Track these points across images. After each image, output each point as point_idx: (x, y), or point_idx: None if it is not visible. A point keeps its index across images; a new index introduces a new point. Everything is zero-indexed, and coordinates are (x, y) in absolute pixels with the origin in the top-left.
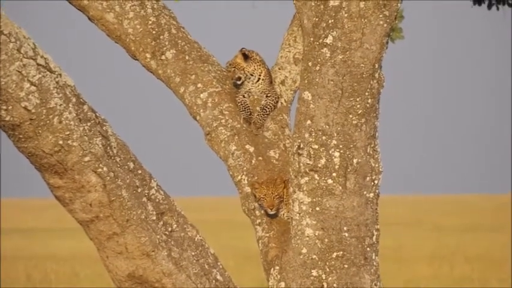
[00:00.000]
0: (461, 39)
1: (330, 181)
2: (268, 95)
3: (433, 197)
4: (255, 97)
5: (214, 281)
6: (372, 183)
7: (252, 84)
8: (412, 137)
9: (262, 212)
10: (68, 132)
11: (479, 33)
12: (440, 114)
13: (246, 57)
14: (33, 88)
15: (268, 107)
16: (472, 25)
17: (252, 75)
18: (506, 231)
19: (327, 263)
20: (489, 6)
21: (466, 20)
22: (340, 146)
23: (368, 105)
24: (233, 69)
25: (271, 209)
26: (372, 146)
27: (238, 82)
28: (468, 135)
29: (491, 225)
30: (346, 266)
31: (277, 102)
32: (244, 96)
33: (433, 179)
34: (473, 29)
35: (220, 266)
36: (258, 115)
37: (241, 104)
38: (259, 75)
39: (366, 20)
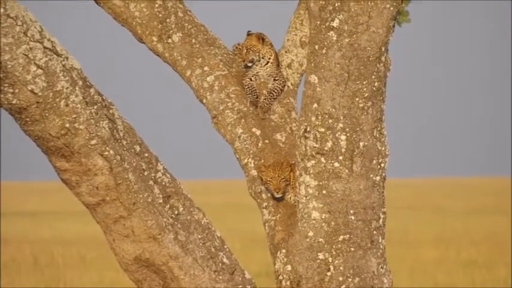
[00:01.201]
0: (464, 17)
1: (336, 164)
2: (276, 78)
3: (436, 180)
4: (262, 80)
5: (220, 264)
6: (379, 166)
7: (261, 67)
8: (415, 121)
9: (269, 195)
10: (74, 115)
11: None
12: (444, 98)
13: (262, 39)
14: (39, 71)
15: (276, 90)
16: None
17: (263, 58)
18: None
19: (334, 246)
20: None
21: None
22: (347, 129)
23: (374, 88)
24: (246, 50)
25: (277, 192)
26: (378, 129)
27: (250, 64)
28: (470, 119)
29: (496, 208)
30: (352, 249)
31: (284, 86)
32: (251, 80)
33: (434, 161)
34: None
35: (227, 249)
36: (265, 99)
37: (248, 87)
38: (269, 59)
39: (372, 3)
